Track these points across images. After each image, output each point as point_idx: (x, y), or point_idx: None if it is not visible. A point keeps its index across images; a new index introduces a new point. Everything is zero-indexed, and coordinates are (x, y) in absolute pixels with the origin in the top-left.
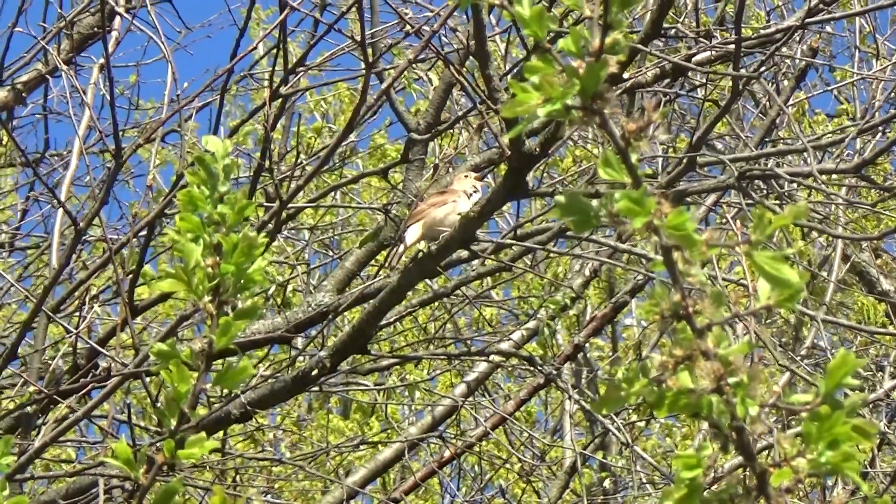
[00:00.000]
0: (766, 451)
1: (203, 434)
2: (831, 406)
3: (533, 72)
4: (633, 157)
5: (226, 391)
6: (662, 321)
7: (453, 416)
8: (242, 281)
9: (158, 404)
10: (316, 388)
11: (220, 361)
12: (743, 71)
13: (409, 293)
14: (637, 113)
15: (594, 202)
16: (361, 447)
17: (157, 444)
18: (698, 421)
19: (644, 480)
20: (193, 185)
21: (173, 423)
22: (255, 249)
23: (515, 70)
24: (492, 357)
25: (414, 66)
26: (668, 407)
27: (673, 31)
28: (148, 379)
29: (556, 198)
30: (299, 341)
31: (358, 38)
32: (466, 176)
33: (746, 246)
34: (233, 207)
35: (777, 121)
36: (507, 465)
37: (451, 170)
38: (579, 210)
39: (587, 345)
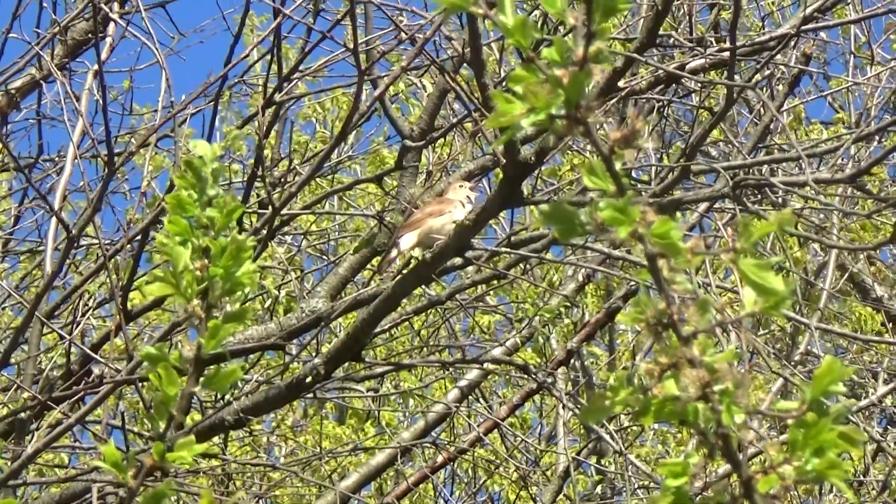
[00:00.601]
0: (760, 458)
1: (192, 437)
2: (817, 413)
3: (517, 81)
4: (618, 166)
5: (220, 398)
6: (648, 329)
7: (446, 422)
8: (231, 284)
9: (151, 410)
10: (310, 395)
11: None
12: (737, 79)
13: (404, 300)
14: (628, 121)
15: (580, 210)
16: (355, 453)
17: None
18: (689, 428)
19: (637, 486)
20: (182, 189)
21: (162, 426)
22: (243, 252)
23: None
24: (486, 364)
25: (407, 73)
26: (654, 415)
27: (668, 39)
28: (141, 384)
29: (540, 206)
30: (293, 348)
31: (352, 45)
32: (461, 186)
33: (732, 254)
34: (221, 211)
35: (771, 126)
36: (501, 471)
37: (444, 176)
38: (564, 218)
39: (583, 351)
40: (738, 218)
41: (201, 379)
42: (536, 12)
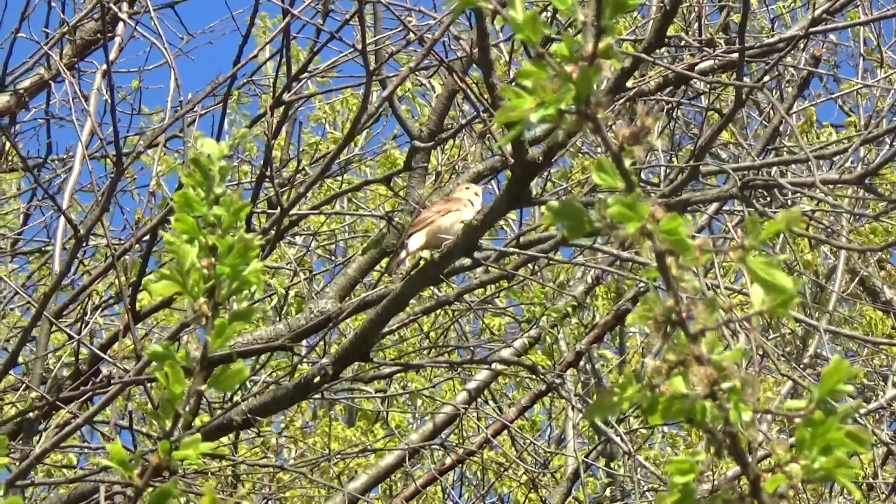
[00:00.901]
0: (770, 460)
1: (198, 436)
2: (825, 412)
3: (526, 76)
4: (627, 163)
5: (229, 398)
6: (656, 326)
7: (455, 424)
8: (238, 282)
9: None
10: (318, 396)
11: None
12: (746, 80)
13: (413, 301)
14: (637, 118)
15: (589, 208)
16: (364, 454)
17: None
18: (698, 429)
19: (646, 489)
20: (189, 187)
21: (168, 424)
22: (250, 251)
23: None
24: (494, 365)
25: (416, 73)
26: (662, 413)
27: (677, 39)
28: (150, 385)
29: (548, 203)
30: (302, 349)
31: (360, 45)
32: (468, 187)
33: (739, 251)
34: (228, 209)
35: (781, 129)
36: (510, 474)
37: (453, 177)
38: (573, 215)
39: (593, 353)
40: (746, 217)
41: (208, 378)
42: (545, 13)
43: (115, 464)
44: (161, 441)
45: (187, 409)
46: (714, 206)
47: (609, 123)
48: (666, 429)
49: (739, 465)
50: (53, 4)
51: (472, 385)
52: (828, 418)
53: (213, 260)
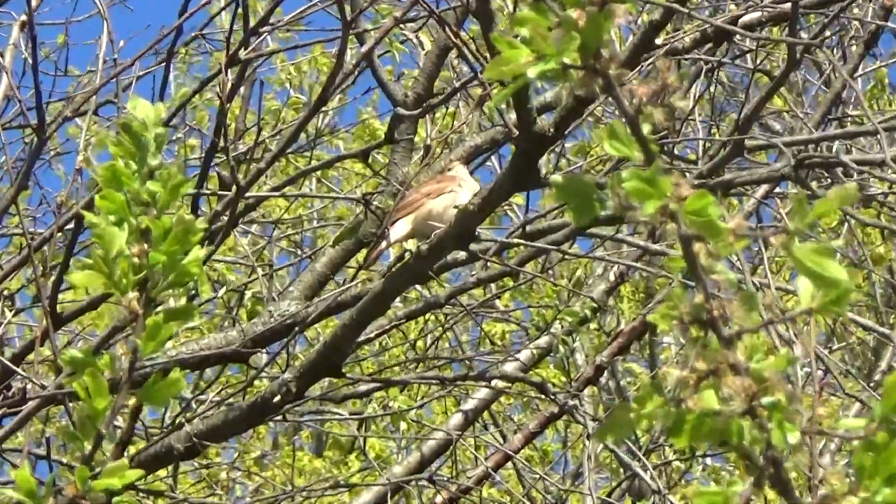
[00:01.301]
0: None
1: (125, 461)
2: (890, 433)
3: (523, 24)
4: (646, 128)
5: (170, 422)
6: (682, 329)
7: (448, 454)
8: (176, 273)
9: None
10: (279, 418)
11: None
12: (802, 36)
13: (396, 302)
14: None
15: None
16: (335, 490)
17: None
18: (732, 450)
19: None
20: (118, 158)
21: (88, 447)
22: (191, 235)
23: None
24: (494, 382)
25: (402, 26)
26: (690, 434)
27: None
28: (73, 403)
29: (552, 178)
30: (262, 358)
31: None
32: (449, 169)
33: (783, 237)
34: (165, 185)
35: (843, 95)
36: None
37: (446, 152)
38: (580, 193)
39: (617, 367)
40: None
41: (137, 391)
42: None
43: (23, 495)
44: (79, 467)
45: (115, 430)
46: (763, 188)
47: (625, 81)
48: (708, 461)
49: (784, 497)
50: None
51: (468, 406)
52: (893, 441)
53: (145, 246)
